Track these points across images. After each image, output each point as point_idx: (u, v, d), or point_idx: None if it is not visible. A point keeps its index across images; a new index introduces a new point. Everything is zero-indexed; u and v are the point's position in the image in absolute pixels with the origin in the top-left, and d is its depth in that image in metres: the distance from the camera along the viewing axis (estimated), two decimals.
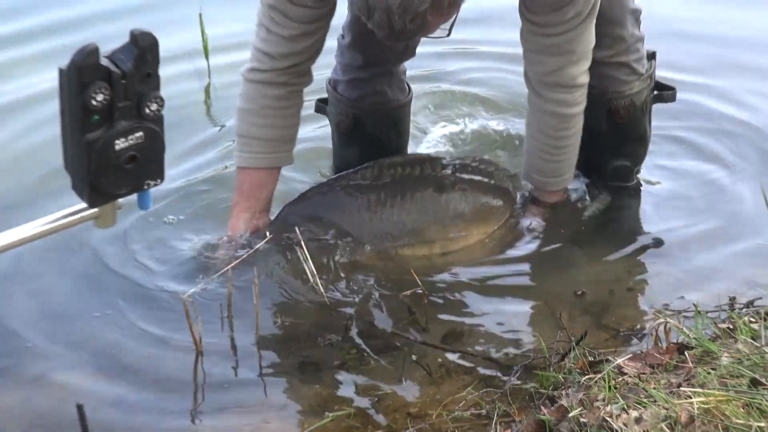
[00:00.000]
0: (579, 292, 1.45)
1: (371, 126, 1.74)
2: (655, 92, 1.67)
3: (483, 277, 1.54)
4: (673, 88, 1.72)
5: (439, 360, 1.28)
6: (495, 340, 1.35)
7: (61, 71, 0.69)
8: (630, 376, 1.09)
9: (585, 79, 1.46)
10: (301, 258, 1.38)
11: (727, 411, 0.92)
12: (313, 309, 1.45)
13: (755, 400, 0.94)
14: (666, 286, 1.49)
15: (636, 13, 1.59)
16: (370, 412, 1.17)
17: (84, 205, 0.72)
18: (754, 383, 0.97)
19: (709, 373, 1.04)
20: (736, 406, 0.93)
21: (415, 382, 1.25)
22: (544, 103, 1.48)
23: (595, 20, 1.38)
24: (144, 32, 0.68)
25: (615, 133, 1.64)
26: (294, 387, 1.29)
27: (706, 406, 0.94)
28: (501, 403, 1.10)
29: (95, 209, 0.74)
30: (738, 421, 0.90)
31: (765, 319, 1.18)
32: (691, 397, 0.97)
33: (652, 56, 1.65)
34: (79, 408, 0.99)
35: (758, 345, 1.08)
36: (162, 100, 0.72)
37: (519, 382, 1.16)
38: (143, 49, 0.70)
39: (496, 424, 1.05)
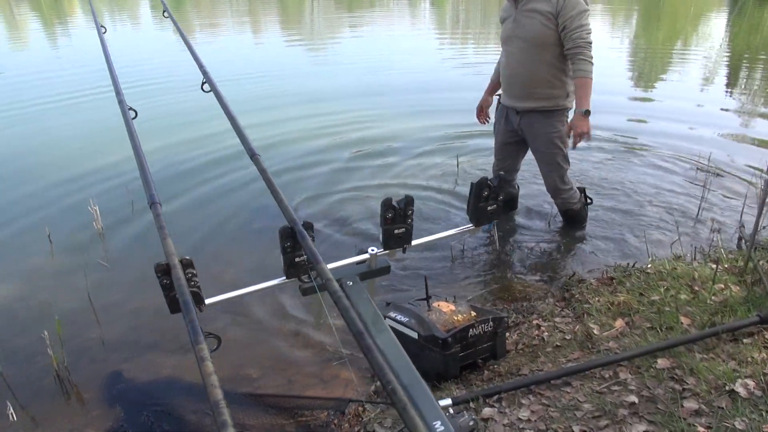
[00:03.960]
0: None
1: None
2: (587, 202, 3.52)
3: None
4: (591, 200, 3.56)
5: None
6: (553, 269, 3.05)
7: (473, 183, 2.12)
8: (595, 286, 2.74)
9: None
10: None
11: (631, 302, 2.57)
12: None
13: (642, 299, 2.59)
14: (608, 255, 3.22)
15: (572, 188, 3.36)
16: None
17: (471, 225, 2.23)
18: (640, 294, 2.63)
19: (623, 287, 2.70)
20: (634, 300, 2.58)
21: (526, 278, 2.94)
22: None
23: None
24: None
25: (572, 219, 3.51)
26: None
27: (623, 299, 2.58)
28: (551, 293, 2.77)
29: (476, 227, 2.23)
30: (633, 306, 2.55)
31: (643, 271, 2.86)
32: (617, 295, 2.62)
33: (582, 190, 3.48)
34: (425, 278, 2.40)
35: (642, 285, 2.75)
36: (501, 199, 2.18)
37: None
38: (502, 181, 2.13)
39: (549, 297, 2.69)
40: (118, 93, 1.63)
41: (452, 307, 2.34)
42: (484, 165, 4.52)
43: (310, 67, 9.92)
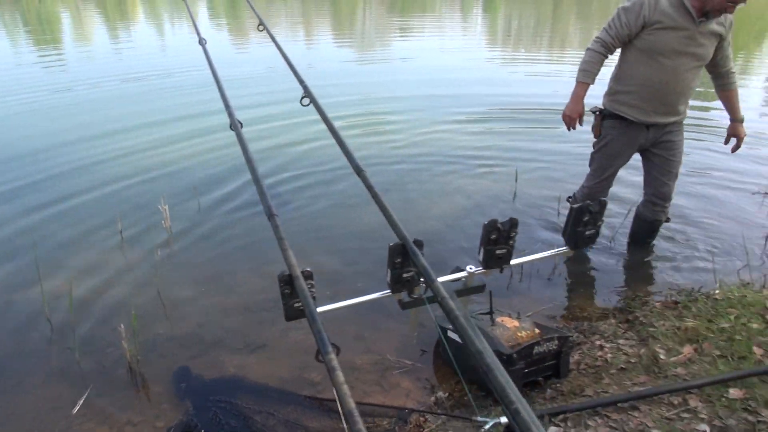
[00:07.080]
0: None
1: None
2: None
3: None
4: (669, 218, 3.40)
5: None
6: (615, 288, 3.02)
7: (572, 208, 2.04)
8: (659, 309, 2.70)
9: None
10: None
11: (699, 328, 2.51)
12: None
13: (711, 325, 2.53)
14: (672, 278, 3.16)
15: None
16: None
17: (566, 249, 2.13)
18: (709, 320, 2.58)
19: (689, 312, 2.65)
20: (702, 326, 2.52)
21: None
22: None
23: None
24: None
25: (650, 232, 3.45)
26: None
27: (690, 325, 2.53)
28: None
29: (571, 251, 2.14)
30: (702, 332, 2.49)
31: (710, 297, 2.79)
32: (684, 320, 2.57)
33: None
34: (490, 293, 2.42)
35: (710, 311, 2.69)
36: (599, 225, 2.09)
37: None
38: (603, 207, 2.06)
39: (611, 317, 2.67)
40: (228, 106, 1.68)
41: (516, 323, 2.34)
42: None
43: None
